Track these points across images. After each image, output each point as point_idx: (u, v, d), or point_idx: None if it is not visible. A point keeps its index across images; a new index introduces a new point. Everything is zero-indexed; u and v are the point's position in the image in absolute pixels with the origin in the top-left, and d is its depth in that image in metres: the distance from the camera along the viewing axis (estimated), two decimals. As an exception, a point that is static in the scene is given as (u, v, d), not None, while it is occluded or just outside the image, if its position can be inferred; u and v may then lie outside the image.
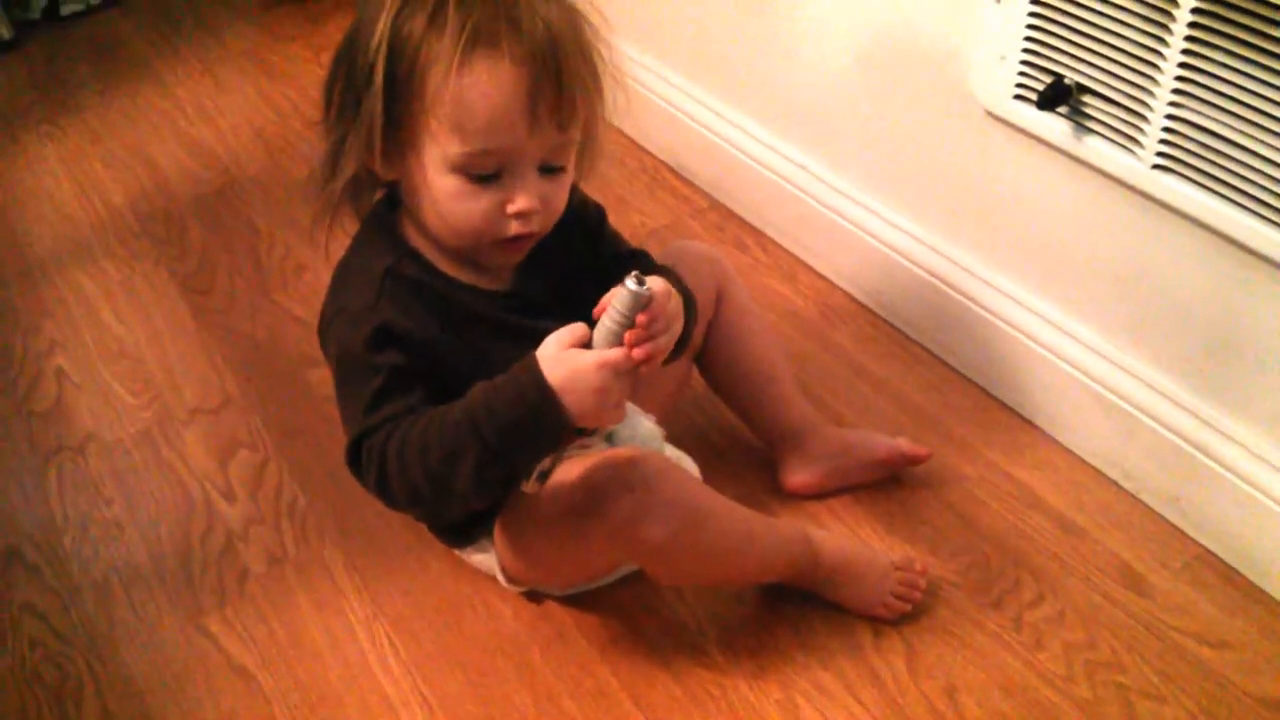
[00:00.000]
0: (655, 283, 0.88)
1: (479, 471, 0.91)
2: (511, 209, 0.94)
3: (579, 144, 0.97)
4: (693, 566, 1.04)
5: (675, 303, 0.92)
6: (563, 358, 0.88)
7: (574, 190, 1.02)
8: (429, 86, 0.90)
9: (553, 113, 0.91)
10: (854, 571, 1.09)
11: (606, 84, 0.96)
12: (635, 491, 0.97)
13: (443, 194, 0.94)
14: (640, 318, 0.87)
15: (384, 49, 0.89)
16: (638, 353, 0.87)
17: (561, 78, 0.91)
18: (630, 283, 0.84)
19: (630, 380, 0.89)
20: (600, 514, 0.98)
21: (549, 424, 0.88)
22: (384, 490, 0.95)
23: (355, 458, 0.96)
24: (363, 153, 0.94)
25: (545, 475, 0.96)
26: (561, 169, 0.96)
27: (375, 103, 0.91)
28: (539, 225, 0.96)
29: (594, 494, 0.98)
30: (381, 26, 0.90)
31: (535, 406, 0.88)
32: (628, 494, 0.97)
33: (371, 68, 0.90)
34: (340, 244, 1.03)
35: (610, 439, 1.07)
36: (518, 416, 0.89)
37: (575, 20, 0.94)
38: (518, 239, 0.96)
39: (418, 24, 0.90)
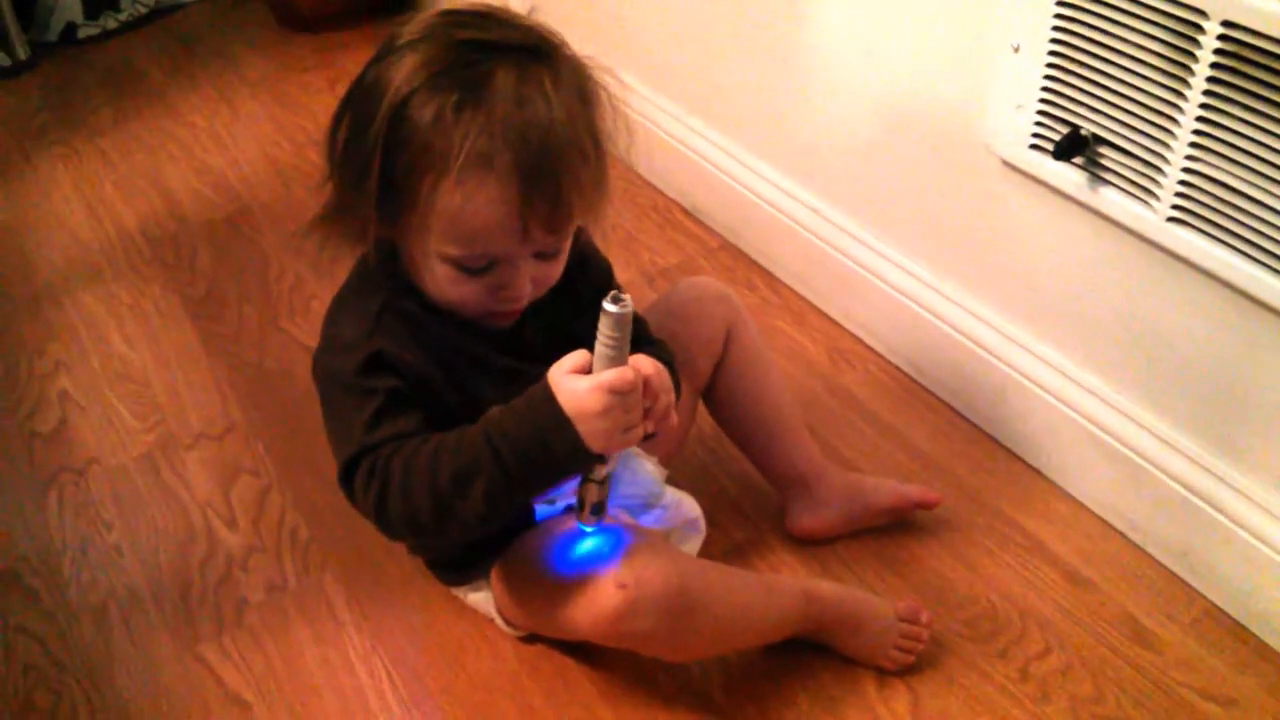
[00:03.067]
0: (642, 362, 0.90)
1: (490, 495, 0.90)
2: (504, 294, 0.95)
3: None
4: (684, 650, 1.04)
5: (665, 379, 0.92)
6: (563, 383, 0.88)
7: (583, 244, 1.02)
8: (422, 193, 0.89)
9: (544, 224, 0.91)
10: (857, 623, 1.07)
11: (622, 133, 0.95)
12: (626, 589, 0.95)
13: (436, 276, 0.94)
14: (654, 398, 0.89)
15: (382, 142, 0.88)
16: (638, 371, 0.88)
17: (557, 190, 0.90)
18: (608, 305, 0.84)
19: (637, 403, 0.88)
20: (588, 609, 0.97)
21: (563, 447, 0.88)
22: (380, 510, 0.94)
23: (350, 476, 0.95)
24: (364, 221, 0.94)
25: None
26: (556, 253, 0.96)
27: (372, 188, 0.90)
28: (530, 300, 0.97)
29: (583, 589, 0.97)
30: (382, 115, 0.88)
31: (549, 429, 0.88)
32: (618, 591, 0.95)
33: (371, 154, 0.89)
34: (345, 265, 1.03)
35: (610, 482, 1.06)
36: (534, 439, 0.89)
37: (581, 112, 0.92)
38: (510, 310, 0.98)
39: (419, 126, 0.88)
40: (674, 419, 0.94)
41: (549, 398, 0.88)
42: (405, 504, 0.92)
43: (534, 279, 0.95)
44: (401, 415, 0.95)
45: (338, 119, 0.95)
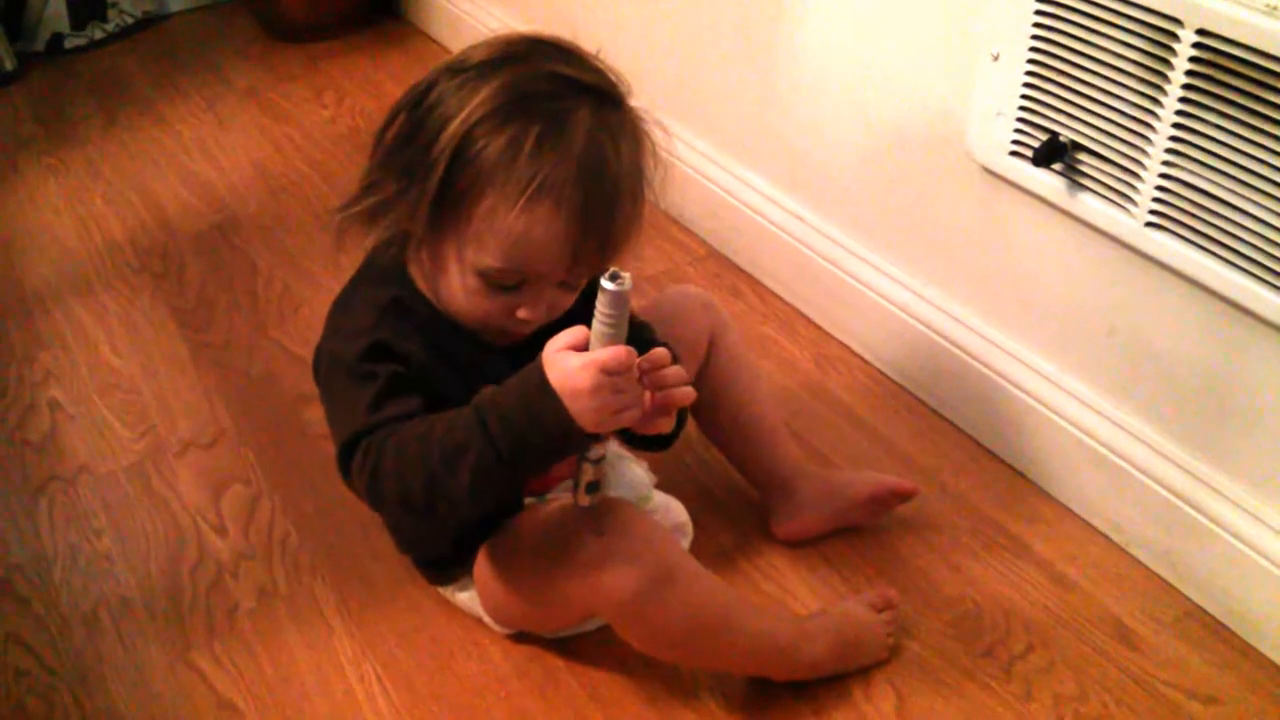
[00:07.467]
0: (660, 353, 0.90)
1: (478, 472, 0.89)
2: (521, 315, 0.96)
3: None
4: (665, 629, 1.01)
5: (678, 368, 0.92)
6: (554, 359, 0.87)
7: None
8: (481, 210, 0.90)
9: (591, 260, 0.93)
10: (849, 638, 1.08)
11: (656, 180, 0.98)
12: (604, 536, 0.97)
13: (461, 285, 0.96)
14: (655, 365, 0.88)
15: (448, 156, 0.90)
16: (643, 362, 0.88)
17: (611, 231, 0.93)
18: (605, 282, 0.84)
19: (631, 383, 0.88)
20: (567, 556, 0.98)
21: (553, 424, 0.87)
22: (374, 490, 0.94)
23: (348, 456, 0.95)
24: (404, 222, 0.95)
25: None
26: (579, 284, 0.98)
27: (427, 196, 0.91)
28: (541, 324, 0.98)
29: (563, 536, 0.99)
30: (453, 130, 0.90)
31: (538, 406, 0.87)
32: (596, 538, 0.97)
33: (433, 164, 0.90)
34: (337, 269, 1.04)
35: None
36: (523, 415, 0.88)
37: (639, 159, 0.96)
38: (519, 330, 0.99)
39: (491, 147, 0.89)
40: (688, 390, 0.92)
41: (540, 374, 0.87)
42: (398, 483, 0.92)
43: (550, 305, 0.97)
44: (402, 399, 0.95)
45: (389, 123, 0.96)
